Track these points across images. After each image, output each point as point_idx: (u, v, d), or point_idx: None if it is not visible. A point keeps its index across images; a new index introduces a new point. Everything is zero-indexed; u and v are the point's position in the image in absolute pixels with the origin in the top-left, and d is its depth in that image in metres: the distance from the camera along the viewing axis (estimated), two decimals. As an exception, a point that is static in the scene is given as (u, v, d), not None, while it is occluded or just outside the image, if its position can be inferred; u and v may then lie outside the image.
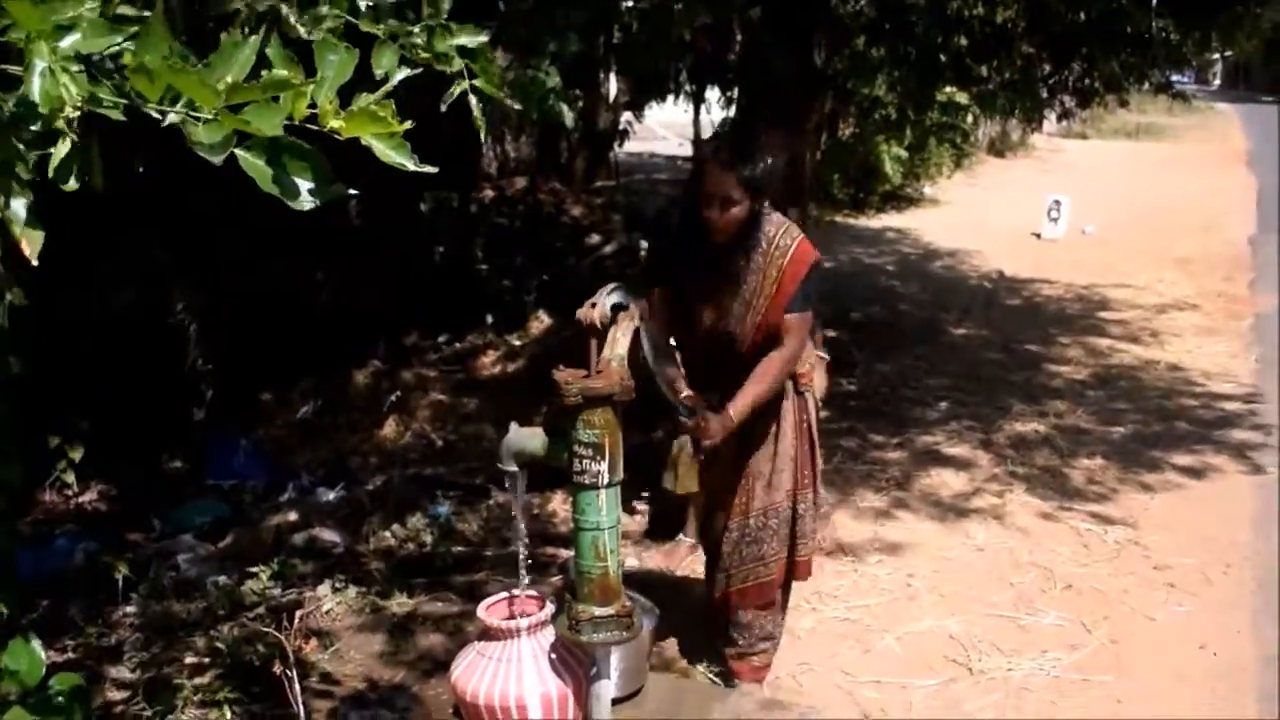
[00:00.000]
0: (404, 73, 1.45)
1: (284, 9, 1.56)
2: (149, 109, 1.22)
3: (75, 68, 1.18)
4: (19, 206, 1.22)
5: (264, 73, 1.28)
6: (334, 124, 1.29)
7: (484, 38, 1.71)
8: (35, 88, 1.16)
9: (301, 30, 1.57)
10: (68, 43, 1.20)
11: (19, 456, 2.14)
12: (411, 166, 1.36)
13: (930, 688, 3.63)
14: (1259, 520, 5.02)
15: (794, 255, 3.06)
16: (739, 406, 3.05)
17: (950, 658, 3.82)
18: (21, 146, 1.20)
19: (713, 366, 3.19)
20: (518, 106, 4.65)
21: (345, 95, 1.36)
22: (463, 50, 1.68)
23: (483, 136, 1.81)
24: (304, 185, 1.27)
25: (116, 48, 1.23)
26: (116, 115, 1.23)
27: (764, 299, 3.08)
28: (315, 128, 1.29)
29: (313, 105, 1.29)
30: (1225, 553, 4.66)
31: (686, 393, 3.11)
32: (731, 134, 3.95)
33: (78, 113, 1.19)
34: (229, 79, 1.25)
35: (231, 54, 1.28)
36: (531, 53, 4.66)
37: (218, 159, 1.23)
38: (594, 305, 2.63)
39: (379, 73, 1.61)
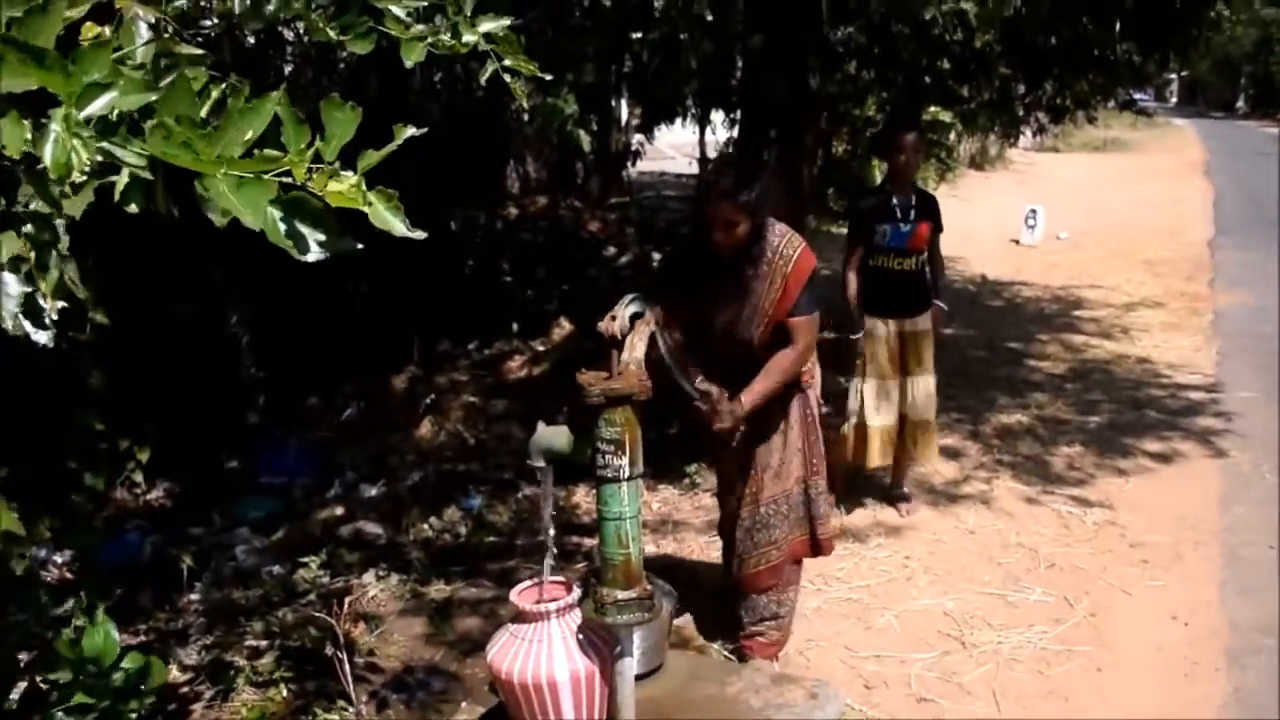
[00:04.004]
0: (410, 131, 1.34)
1: (314, 17, 1.53)
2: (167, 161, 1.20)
3: (86, 133, 1.15)
4: (48, 255, 1.21)
5: (256, 151, 1.23)
6: (331, 187, 1.23)
7: (506, 21, 1.68)
8: (48, 154, 1.15)
9: (331, 34, 1.54)
10: (101, 102, 1.17)
11: (105, 463, 2.13)
12: (401, 231, 1.29)
13: (927, 660, 3.60)
14: (1224, 500, 4.99)
15: (796, 263, 3.09)
16: (751, 396, 3.07)
17: (945, 632, 3.79)
18: (55, 195, 1.18)
19: (725, 367, 3.17)
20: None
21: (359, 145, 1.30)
22: (488, 37, 1.67)
23: (523, 104, 1.78)
24: (312, 239, 1.24)
25: (143, 106, 1.20)
26: (143, 172, 1.19)
27: (770, 303, 3.11)
28: (316, 192, 1.24)
29: (318, 161, 1.24)
30: (1194, 530, 4.63)
31: (702, 381, 3.10)
32: (731, 162, 3.96)
33: (84, 178, 1.16)
34: (242, 141, 1.22)
35: (240, 120, 1.24)
36: (551, 83, 4.65)
37: (220, 221, 1.20)
38: (614, 318, 2.62)
39: (408, 62, 1.57)
